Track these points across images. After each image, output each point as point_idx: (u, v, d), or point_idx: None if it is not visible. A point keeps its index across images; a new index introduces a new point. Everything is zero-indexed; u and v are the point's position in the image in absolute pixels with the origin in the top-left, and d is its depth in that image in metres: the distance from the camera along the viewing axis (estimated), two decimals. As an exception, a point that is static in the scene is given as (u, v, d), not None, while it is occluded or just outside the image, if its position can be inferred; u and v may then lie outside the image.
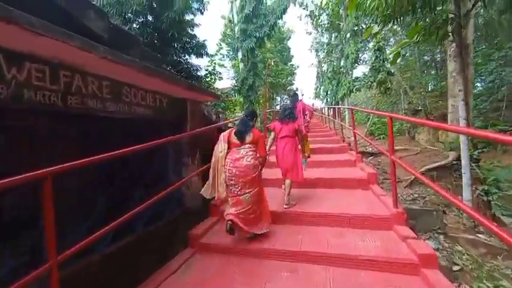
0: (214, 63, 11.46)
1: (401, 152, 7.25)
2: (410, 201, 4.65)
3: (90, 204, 3.00)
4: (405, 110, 10.90)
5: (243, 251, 2.59)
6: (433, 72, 17.30)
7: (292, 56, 29.99)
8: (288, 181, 3.26)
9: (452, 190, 5.48)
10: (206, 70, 10.76)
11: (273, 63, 18.18)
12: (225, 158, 2.62)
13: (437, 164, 5.95)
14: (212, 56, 11.91)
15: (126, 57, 2.38)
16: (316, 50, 23.28)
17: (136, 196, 3.38)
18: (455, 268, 3.43)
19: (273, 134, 3.56)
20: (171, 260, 2.52)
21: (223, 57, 26.58)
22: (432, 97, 12.34)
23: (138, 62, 2.57)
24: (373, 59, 10.70)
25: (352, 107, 5.66)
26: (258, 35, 11.48)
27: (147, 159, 3.59)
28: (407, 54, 14.83)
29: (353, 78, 16.95)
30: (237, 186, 2.54)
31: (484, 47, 10.39)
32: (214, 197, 2.75)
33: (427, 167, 5.96)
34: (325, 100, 26.60)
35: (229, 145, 2.66)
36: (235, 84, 12.57)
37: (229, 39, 17.62)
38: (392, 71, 10.58)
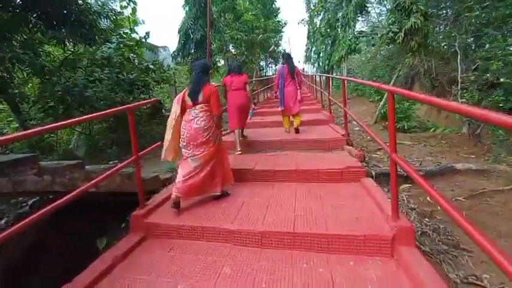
0: None
1: (472, 176, 3.48)
2: None
3: None
4: (469, 81, 6.42)
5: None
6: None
7: (279, 10, 24.42)
8: (239, 130, 3.83)
9: None
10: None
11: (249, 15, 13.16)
12: (181, 121, 2.51)
13: None
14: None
15: None
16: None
17: None
18: None
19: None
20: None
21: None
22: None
23: None
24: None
25: (380, 85, 1.89)
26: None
27: None
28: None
29: (355, 32, 12.46)
30: (188, 148, 2.45)
31: None
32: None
33: None
34: (316, 64, 22.08)
35: (184, 106, 2.52)
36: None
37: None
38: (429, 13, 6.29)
